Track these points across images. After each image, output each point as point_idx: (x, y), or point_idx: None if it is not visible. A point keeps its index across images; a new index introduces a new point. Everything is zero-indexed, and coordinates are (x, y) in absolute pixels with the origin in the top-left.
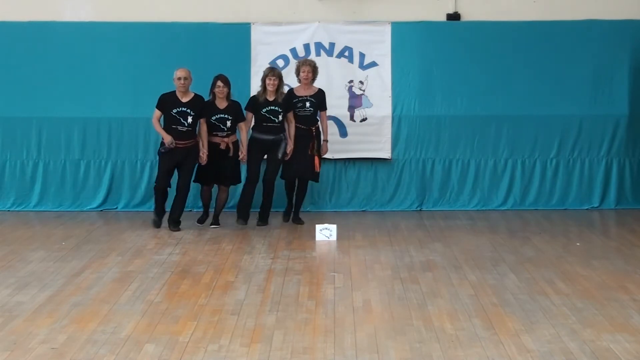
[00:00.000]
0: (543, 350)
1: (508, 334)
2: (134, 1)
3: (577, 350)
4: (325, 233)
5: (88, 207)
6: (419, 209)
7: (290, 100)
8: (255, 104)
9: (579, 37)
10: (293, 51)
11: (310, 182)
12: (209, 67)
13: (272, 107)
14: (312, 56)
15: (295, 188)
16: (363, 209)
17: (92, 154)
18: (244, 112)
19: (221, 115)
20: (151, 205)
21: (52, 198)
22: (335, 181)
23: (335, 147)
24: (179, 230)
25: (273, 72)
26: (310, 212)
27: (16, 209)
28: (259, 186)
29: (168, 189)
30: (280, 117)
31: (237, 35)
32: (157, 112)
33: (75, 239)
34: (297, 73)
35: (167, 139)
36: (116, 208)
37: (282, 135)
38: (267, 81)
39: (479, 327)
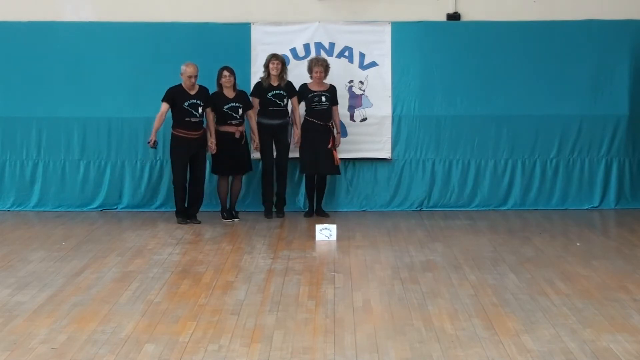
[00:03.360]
0: (543, 350)
1: (508, 334)
2: (134, 1)
3: (577, 350)
4: (325, 233)
5: (88, 207)
6: (419, 209)
7: (304, 94)
8: (260, 89)
9: (579, 37)
10: (293, 51)
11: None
12: (209, 67)
13: (277, 91)
14: (312, 56)
15: (315, 183)
16: (363, 209)
17: (92, 154)
18: (250, 99)
19: (232, 104)
20: (152, 204)
21: (52, 198)
22: (335, 181)
23: None
24: (199, 222)
25: (276, 56)
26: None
27: (16, 209)
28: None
29: (186, 184)
30: (285, 101)
31: (237, 35)
32: (165, 106)
33: (75, 239)
34: (310, 72)
35: (152, 138)
36: (116, 208)
37: (288, 118)
38: (271, 65)
39: (479, 327)
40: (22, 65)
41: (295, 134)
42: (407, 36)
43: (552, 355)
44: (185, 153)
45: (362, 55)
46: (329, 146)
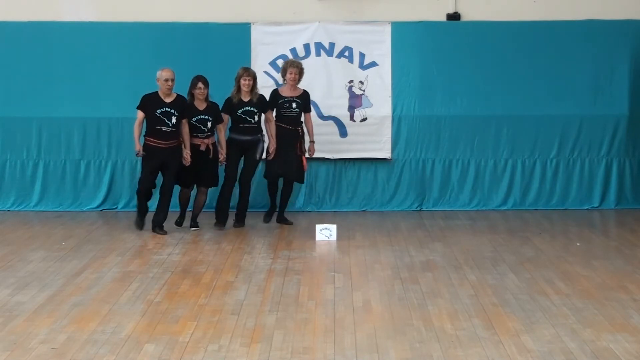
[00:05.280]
0: (543, 350)
1: (508, 334)
2: (134, 1)
3: (577, 350)
4: (325, 233)
5: (88, 207)
6: (419, 209)
7: (275, 100)
8: (230, 105)
9: (579, 37)
10: (293, 51)
11: (295, 183)
12: (209, 67)
13: (248, 108)
14: (312, 56)
15: (280, 188)
16: (363, 209)
17: (92, 154)
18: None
19: (201, 117)
20: (151, 205)
21: (52, 198)
22: (335, 181)
23: (335, 147)
24: (165, 233)
25: (247, 72)
26: (310, 212)
27: (16, 209)
28: (235, 187)
29: (152, 190)
30: (257, 117)
31: (237, 35)
32: (141, 114)
33: (75, 239)
34: (284, 74)
35: (137, 147)
36: (116, 208)
37: (259, 135)
38: (242, 82)
39: (479, 327)
40: (22, 65)
41: (271, 146)
42: (407, 36)
43: (552, 355)
44: (154, 162)
45: (362, 55)
46: (298, 152)
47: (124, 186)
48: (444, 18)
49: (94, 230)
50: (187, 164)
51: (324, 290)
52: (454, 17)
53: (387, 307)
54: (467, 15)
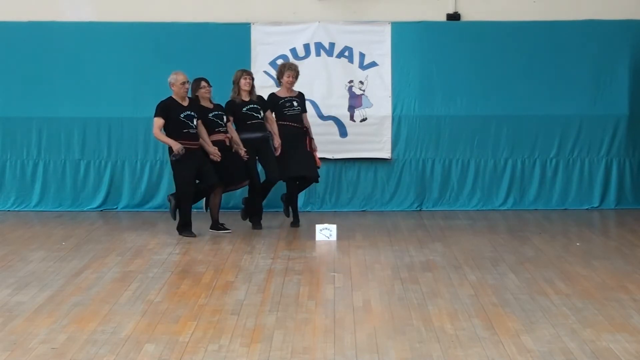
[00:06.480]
0: (543, 350)
1: (508, 334)
2: (134, 1)
3: (577, 350)
4: (325, 233)
5: (88, 207)
6: (419, 209)
7: (274, 102)
8: (233, 106)
9: (579, 37)
10: (293, 51)
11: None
12: (209, 67)
13: (251, 105)
14: (312, 56)
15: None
16: (363, 209)
17: (92, 154)
18: None
19: (216, 112)
20: (152, 205)
21: (52, 198)
22: (335, 181)
23: (335, 147)
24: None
25: (246, 71)
26: (310, 212)
27: (16, 209)
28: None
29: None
30: (261, 113)
31: (237, 35)
32: (161, 121)
33: (75, 239)
34: (280, 76)
35: (177, 145)
36: (116, 208)
37: (268, 132)
38: (242, 81)
39: (479, 327)
40: (22, 65)
41: (276, 142)
42: (407, 36)
43: (552, 355)
44: (190, 166)
45: (362, 55)
46: (308, 148)
47: (124, 186)
48: (444, 18)
49: (94, 230)
50: (218, 160)
51: (324, 290)
52: (454, 17)
53: (387, 307)
54: (467, 15)
